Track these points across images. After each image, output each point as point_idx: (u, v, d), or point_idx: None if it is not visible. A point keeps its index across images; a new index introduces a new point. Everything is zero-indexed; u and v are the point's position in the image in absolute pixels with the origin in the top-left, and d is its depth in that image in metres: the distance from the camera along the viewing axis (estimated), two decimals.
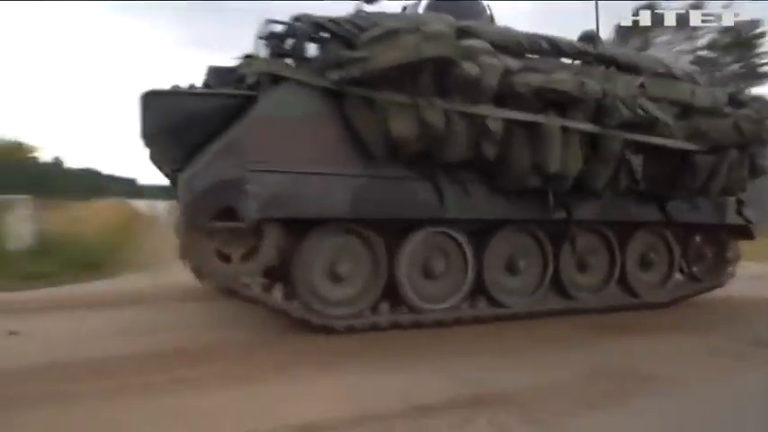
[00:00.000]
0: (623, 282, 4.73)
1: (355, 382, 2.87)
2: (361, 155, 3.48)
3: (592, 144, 3.84)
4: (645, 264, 4.85)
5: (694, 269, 5.21)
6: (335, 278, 3.69)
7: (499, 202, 3.89)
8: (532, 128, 3.63)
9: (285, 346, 3.53)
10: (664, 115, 4.02)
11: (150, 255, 7.52)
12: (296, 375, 2.98)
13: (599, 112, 3.78)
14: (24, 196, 7.99)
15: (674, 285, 5.07)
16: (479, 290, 4.11)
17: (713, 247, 5.26)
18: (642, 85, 4.01)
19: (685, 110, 4.22)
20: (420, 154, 3.52)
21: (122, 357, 3.24)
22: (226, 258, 3.45)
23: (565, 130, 3.70)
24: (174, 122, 3.21)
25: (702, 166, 4.21)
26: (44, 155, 23.90)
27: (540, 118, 3.63)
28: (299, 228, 3.54)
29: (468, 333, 3.87)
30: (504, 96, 3.59)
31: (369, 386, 2.80)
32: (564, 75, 3.76)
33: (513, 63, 3.63)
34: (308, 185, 3.38)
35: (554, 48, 4.04)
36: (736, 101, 4.48)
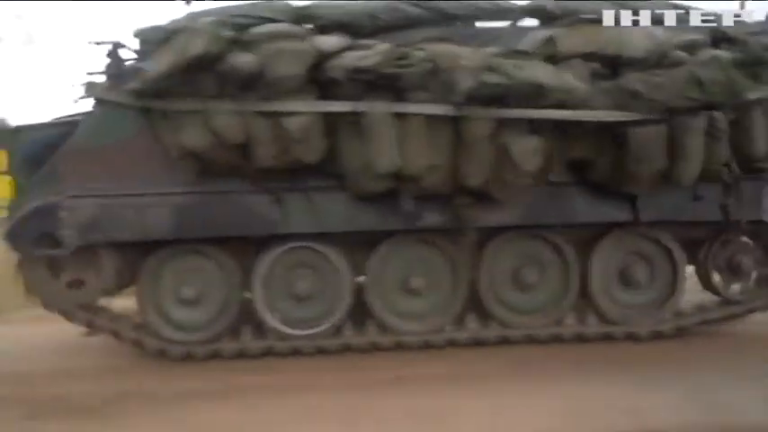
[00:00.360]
0: (591, 304, 3.51)
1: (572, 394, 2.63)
2: (182, 172, 3.17)
3: (457, 131, 2.92)
4: (627, 280, 3.54)
5: (726, 287, 3.64)
6: (184, 302, 3.38)
7: (361, 210, 3.21)
8: (357, 119, 2.92)
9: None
10: (560, 79, 2.84)
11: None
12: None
13: (443, 88, 2.81)
14: None
15: (688, 309, 3.62)
16: (367, 314, 3.46)
17: (755, 254, 3.61)
18: (516, 53, 2.91)
19: (613, 64, 2.97)
20: (231, 165, 3.08)
21: None
22: (78, 284, 3.47)
23: (402, 116, 2.88)
24: (33, 154, 3.35)
25: (640, 143, 2.92)
26: None
27: (360, 106, 2.90)
28: (142, 251, 3.40)
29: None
30: (322, 85, 2.95)
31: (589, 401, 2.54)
32: (383, 47, 2.88)
33: (332, 44, 2.94)
34: (125, 208, 3.17)
35: (418, 14, 3.19)
36: (722, 39, 2.99)
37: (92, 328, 3.42)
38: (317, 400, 2.71)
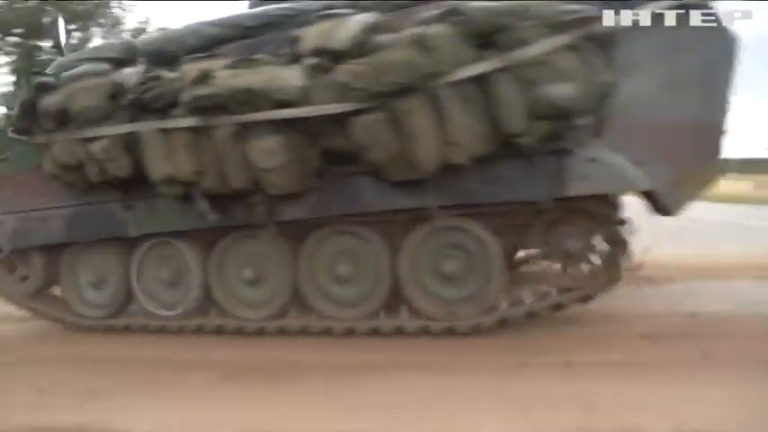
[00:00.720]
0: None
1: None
2: (69, 190, 3.88)
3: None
4: (443, 273, 3.44)
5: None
6: (95, 286, 4.15)
7: (184, 212, 3.63)
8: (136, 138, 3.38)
9: None
10: (273, 82, 3.00)
11: None
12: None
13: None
14: None
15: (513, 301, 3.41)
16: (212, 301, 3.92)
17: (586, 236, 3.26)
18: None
19: (335, 57, 3.00)
20: (85, 182, 3.70)
21: None
22: (24, 278, 4.27)
23: (167, 131, 3.27)
24: None
25: (360, 132, 2.94)
26: None
27: (136, 126, 3.34)
28: (59, 251, 4.18)
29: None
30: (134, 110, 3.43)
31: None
32: (140, 72, 3.36)
33: (128, 75, 3.43)
34: (34, 220, 4.00)
35: (217, 33, 3.60)
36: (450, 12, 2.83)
37: (34, 312, 4.43)
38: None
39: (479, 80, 2.83)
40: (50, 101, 3.55)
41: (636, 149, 2.91)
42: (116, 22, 19.02)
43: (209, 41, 3.64)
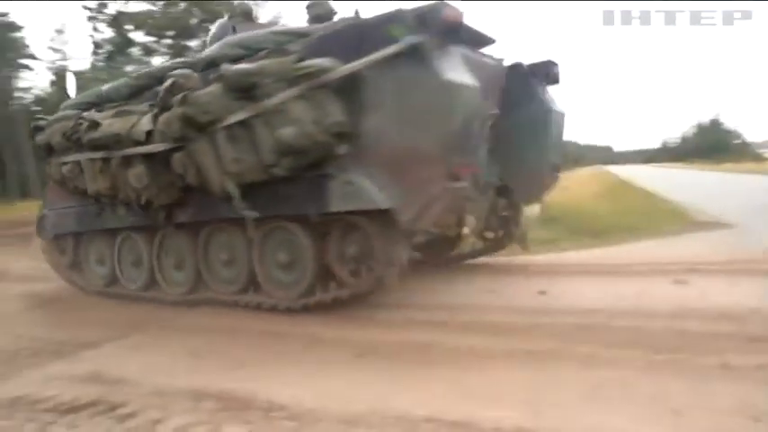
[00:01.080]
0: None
1: None
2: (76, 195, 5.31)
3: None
4: (278, 261, 4.15)
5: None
6: (99, 263, 5.59)
7: (132, 214, 4.77)
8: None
9: None
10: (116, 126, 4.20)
11: (637, 221, 7.76)
12: None
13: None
14: None
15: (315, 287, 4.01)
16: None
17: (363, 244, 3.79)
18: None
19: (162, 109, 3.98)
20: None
21: (675, 332, 3.06)
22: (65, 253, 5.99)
23: (93, 160, 4.57)
24: None
25: (176, 165, 3.98)
26: None
27: (77, 156, 4.73)
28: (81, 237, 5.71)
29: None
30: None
31: None
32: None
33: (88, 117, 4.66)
34: (63, 215, 5.56)
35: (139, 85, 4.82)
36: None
37: (68, 280, 6.04)
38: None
39: (242, 124, 3.52)
40: (41, 138, 5.08)
41: (379, 175, 3.36)
42: (249, 18, 21.44)
43: (135, 90, 4.80)
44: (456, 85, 3.19)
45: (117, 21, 20.62)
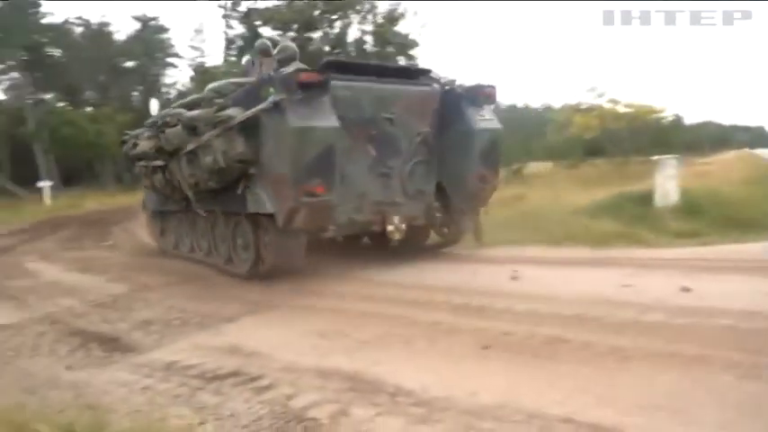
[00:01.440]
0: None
1: None
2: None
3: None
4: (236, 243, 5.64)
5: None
6: (171, 233, 7.46)
7: (173, 202, 6.62)
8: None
9: None
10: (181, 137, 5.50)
11: None
12: None
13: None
14: (673, 156, 8.23)
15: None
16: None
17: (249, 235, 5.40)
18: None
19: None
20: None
21: None
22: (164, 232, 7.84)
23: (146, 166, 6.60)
24: None
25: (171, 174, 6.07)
26: (666, 114, 23.04)
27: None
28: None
29: None
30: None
31: None
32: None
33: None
34: (151, 200, 7.61)
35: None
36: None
37: (160, 246, 7.55)
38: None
39: (192, 152, 5.31)
40: (125, 148, 7.24)
41: (269, 190, 4.69)
42: (371, 9, 21.77)
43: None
44: (305, 129, 4.34)
45: (248, 17, 22.03)
